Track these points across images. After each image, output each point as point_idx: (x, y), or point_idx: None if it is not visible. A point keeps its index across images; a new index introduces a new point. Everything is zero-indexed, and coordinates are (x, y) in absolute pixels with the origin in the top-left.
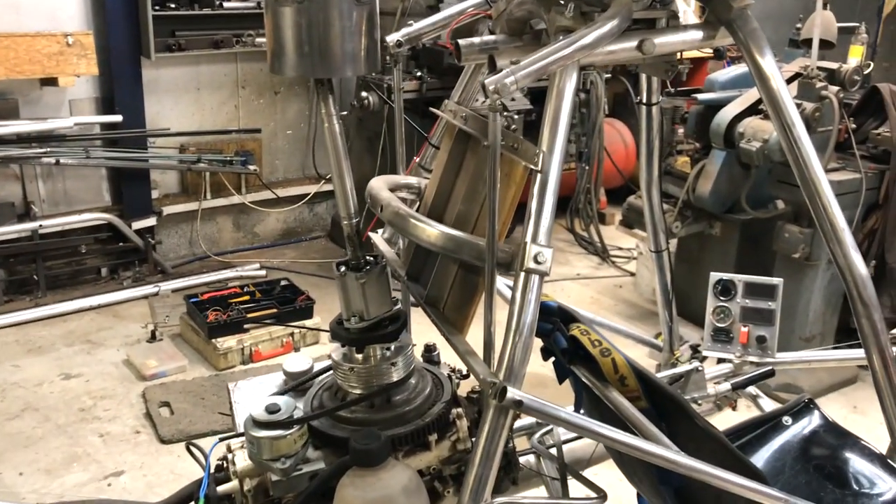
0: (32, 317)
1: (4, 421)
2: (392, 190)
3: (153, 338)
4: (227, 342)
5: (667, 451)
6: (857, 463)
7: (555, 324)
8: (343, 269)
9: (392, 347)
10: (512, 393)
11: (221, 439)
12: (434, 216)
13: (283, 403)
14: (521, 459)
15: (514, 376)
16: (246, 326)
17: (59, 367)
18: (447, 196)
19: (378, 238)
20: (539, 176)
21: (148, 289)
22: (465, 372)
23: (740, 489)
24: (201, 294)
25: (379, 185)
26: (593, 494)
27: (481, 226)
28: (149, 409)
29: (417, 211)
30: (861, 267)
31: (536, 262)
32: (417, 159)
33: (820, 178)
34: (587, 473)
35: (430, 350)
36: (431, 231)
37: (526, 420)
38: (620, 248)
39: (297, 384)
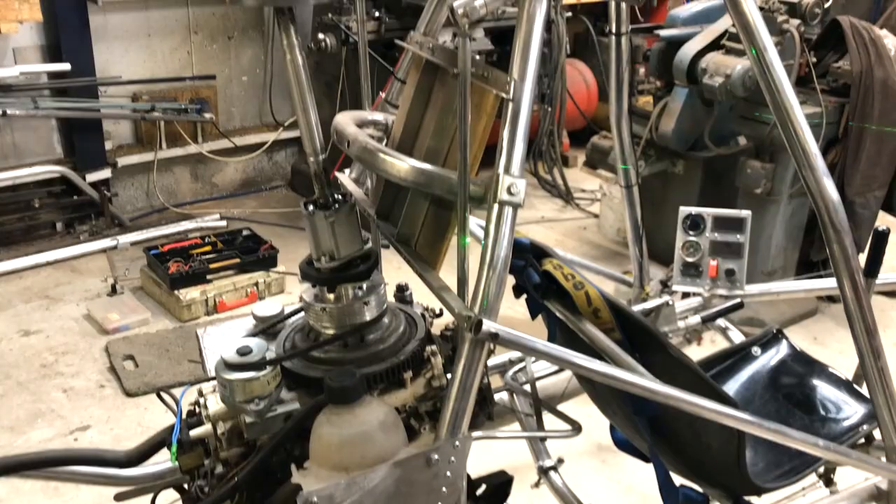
0: None
1: None
2: (359, 126)
3: (114, 291)
4: (191, 293)
5: (642, 379)
6: (824, 389)
7: (527, 260)
8: (311, 207)
9: (364, 287)
10: (487, 325)
11: (192, 384)
12: (403, 152)
13: (254, 345)
14: (496, 397)
15: (489, 310)
16: (209, 277)
17: (17, 323)
18: (416, 131)
19: (345, 178)
20: (511, 105)
21: (106, 242)
22: (438, 311)
23: (714, 415)
24: (161, 246)
25: (345, 119)
26: (568, 427)
27: (452, 160)
28: (112, 363)
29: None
30: (832, 192)
31: (510, 193)
32: (383, 94)
33: (792, 102)
34: (560, 409)
35: (402, 290)
36: (401, 165)
37: (499, 358)
38: (584, 191)
39: (267, 326)
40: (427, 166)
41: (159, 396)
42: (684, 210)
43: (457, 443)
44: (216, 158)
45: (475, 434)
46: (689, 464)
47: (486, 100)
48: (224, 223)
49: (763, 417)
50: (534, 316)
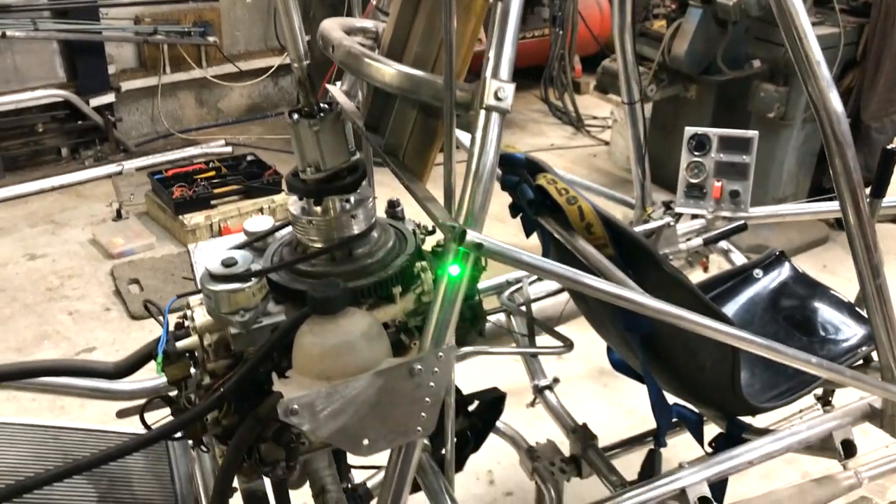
0: None
1: None
2: (347, 33)
3: (119, 216)
4: (195, 218)
5: (632, 293)
6: (825, 311)
7: (521, 175)
8: (296, 116)
9: (352, 200)
10: (472, 236)
11: (179, 296)
12: (392, 59)
13: (239, 257)
14: (492, 318)
15: (474, 220)
16: (213, 203)
17: (23, 247)
18: (405, 37)
19: (336, 90)
20: (500, 5)
21: (111, 168)
22: (431, 228)
23: (706, 330)
24: (166, 171)
25: (331, 25)
26: (560, 344)
27: (440, 67)
28: (118, 287)
29: None
30: (836, 103)
31: (497, 98)
32: (374, 2)
33: (796, 6)
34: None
35: (393, 206)
36: (386, 70)
37: (497, 279)
38: (595, 118)
39: (254, 239)
40: (413, 71)
41: (146, 308)
42: (690, 130)
43: (440, 354)
44: (221, 84)
45: (464, 349)
46: (684, 383)
47: (475, 1)
48: (229, 149)
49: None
50: (528, 234)
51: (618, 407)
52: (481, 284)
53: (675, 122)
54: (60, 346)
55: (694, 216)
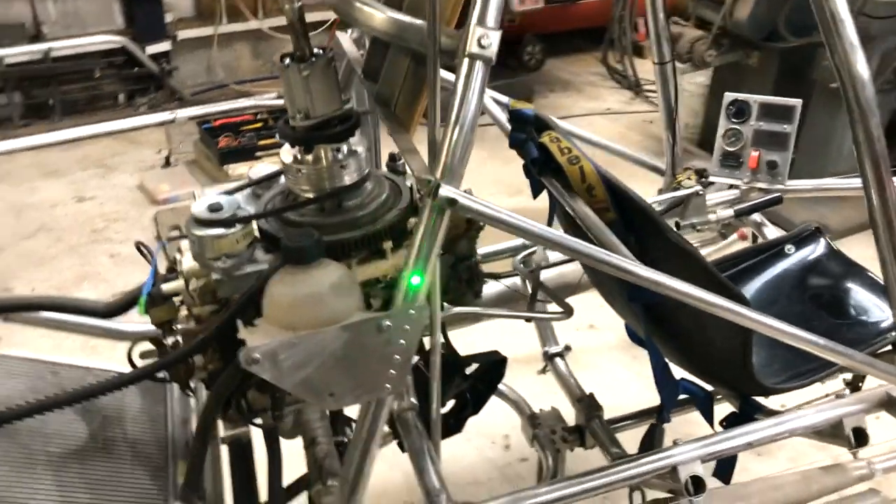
0: (49, 141)
1: (19, 240)
2: None
3: (167, 164)
4: (239, 168)
5: (624, 261)
6: (857, 293)
7: (528, 133)
8: (286, 60)
9: (344, 149)
10: (446, 191)
11: (170, 239)
12: (392, 6)
13: (225, 202)
14: (507, 281)
15: (450, 173)
16: (258, 154)
17: (73, 190)
18: None
19: (345, 37)
20: None
21: (164, 115)
22: None
23: (708, 306)
24: (214, 121)
25: None
26: (559, 310)
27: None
28: (159, 233)
29: None
30: (861, 66)
31: (480, 45)
32: None
33: None
34: (576, 300)
35: (394, 159)
36: (375, 15)
37: (511, 242)
38: (654, 83)
39: (245, 184)
40: (400, 16)
41: (138, 249)
42: (730, 95)
43: (411, 311)
44: (277, 36)
45: (455, 309)
46: (692, 358)
47: None
48: (281, 101)
49: (784, 317)
50: (535, 195)
51: (646, 380)
52: (497, 246)
53: (736, 89)
54: (99, 287)
55: (730, 186)
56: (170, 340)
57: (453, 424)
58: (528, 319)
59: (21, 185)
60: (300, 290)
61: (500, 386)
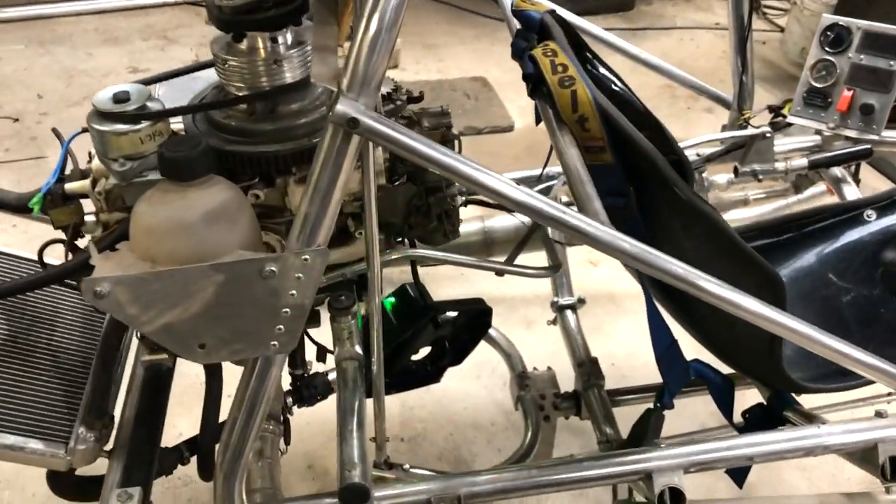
0: (114, 6)
1: (65, 107)
2: None
3: None
4: None
5: (591, 225)
6: None
7: (531, 42)
8: None
9: (286, 40)
10: (346, 107)
11: (84, 129)
12: None
13: (134, 92)
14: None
15: (358, 86)
16: None
17: (129, 60)
18: None
19: None
20: None
21: None
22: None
23: (712, 299)
24: None
25: None
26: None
27: None
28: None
29: None
30: None
31: None
32: None
33: None
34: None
35: None
36: None
37: (525, 172)
38: None
39: (172, 73)
40: None
41: (56, 134)
42: (828, 19)
43: (306, 257)
44: None
45: (408, 252)
46: (709, 338)
47: None
48: None
49: (845, 298)
50: (538, 121)
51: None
52: (514, 174)
53: (865, 13)
54: None
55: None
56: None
57: (431, 372)
58: (498, 273)
59: (78, 50)
60: (162, 213)
61: (496, 335)
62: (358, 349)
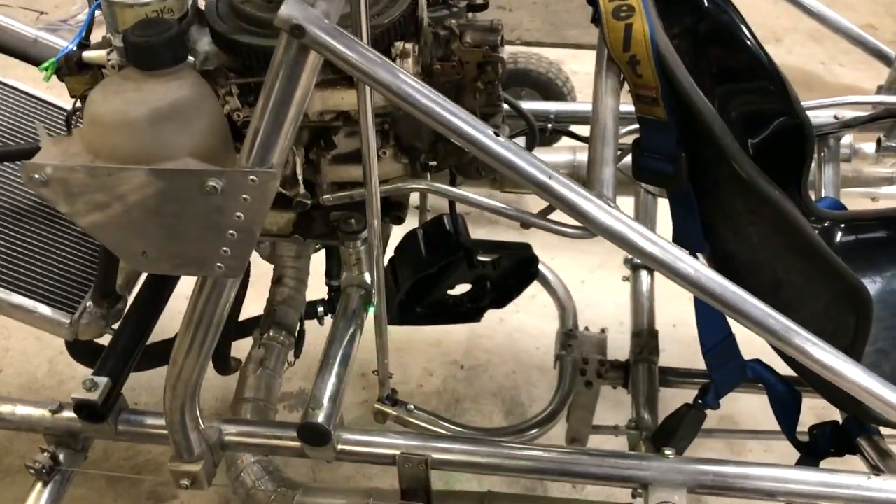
0: None
1: None
2: None
3: None
4: None
5: (607, 212)
6: None
7: None
8: None
9: None
10: (291, 9)
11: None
12: None
13: None
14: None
15: None
16: None
17: None
18: None
19: None
20: None
21: None
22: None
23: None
24: None
25: None
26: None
27: None
28: None
29: None
30: None
31: None
32: None
33: None
34: None
35: None
36: None
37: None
38: None
39: None
40: None
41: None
42: None
43: (254, 177)
44: None
45: (417, 183)
46: None
47: None
48: None
49: None
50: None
51: (745, 337)
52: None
53: None
54: None
55: None
56: None
57: (470, 311)
58: (524, 225)
59: None
60: (111, 103)
61: (556, 284)
62: (366, 277)
